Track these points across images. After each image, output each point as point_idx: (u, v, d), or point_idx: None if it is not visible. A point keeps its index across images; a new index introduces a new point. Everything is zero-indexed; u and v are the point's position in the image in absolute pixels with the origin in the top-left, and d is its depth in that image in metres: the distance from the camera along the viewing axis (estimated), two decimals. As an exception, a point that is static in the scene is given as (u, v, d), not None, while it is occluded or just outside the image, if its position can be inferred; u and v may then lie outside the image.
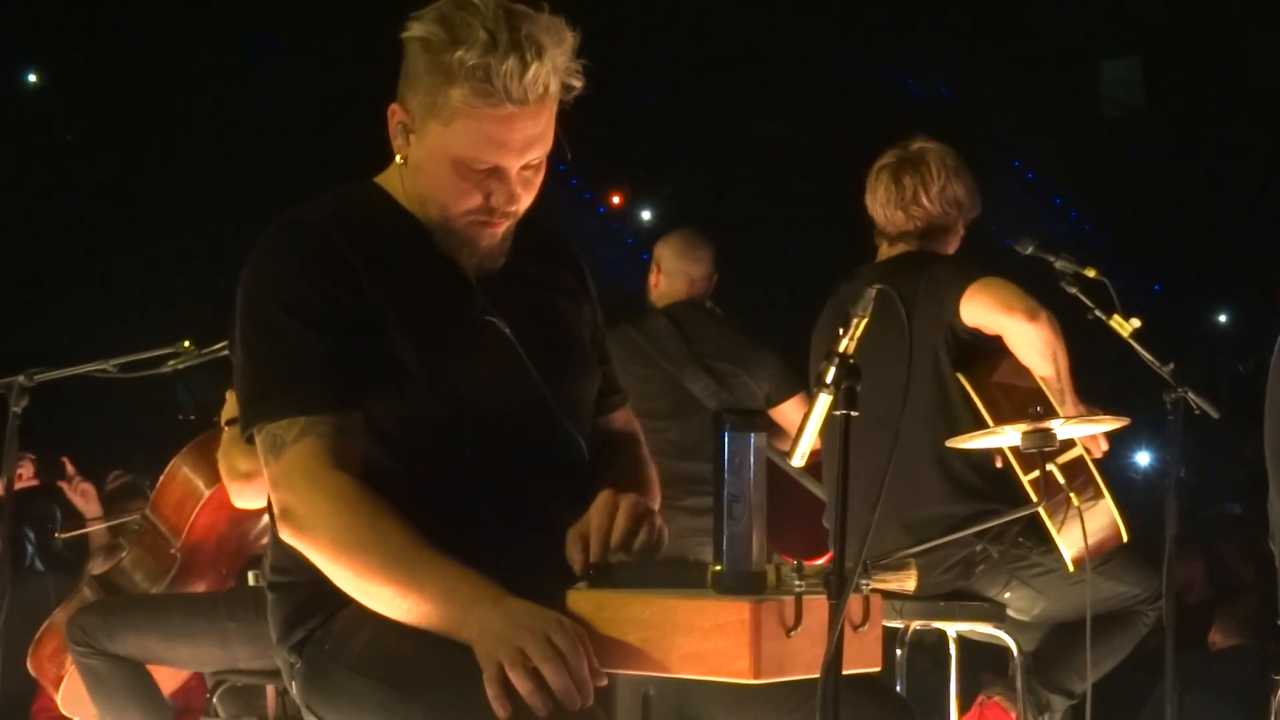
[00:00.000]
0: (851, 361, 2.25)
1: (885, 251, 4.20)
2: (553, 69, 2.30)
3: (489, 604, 2.15)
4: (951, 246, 4.20)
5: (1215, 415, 4.02)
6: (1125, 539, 3.95)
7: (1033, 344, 3.84)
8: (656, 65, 12.81)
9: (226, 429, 4.28)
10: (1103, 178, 13.73)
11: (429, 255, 2.44)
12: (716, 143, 13.48)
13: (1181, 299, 14.54)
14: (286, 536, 2.31)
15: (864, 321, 2.30)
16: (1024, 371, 3.91)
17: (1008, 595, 3.97)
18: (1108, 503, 3.90)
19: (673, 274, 5.19)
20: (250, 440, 2.36)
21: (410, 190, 2.44)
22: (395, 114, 2.40)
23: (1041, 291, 3.93)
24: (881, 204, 4.17)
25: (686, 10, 12.61)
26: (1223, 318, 15.69)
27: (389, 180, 2.49)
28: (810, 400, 2.38)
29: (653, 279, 5.25)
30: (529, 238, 2.54)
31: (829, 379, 2.24)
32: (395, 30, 2.34)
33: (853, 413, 2.21)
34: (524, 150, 2.35)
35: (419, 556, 2.21)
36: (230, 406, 4.25)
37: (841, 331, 2.29)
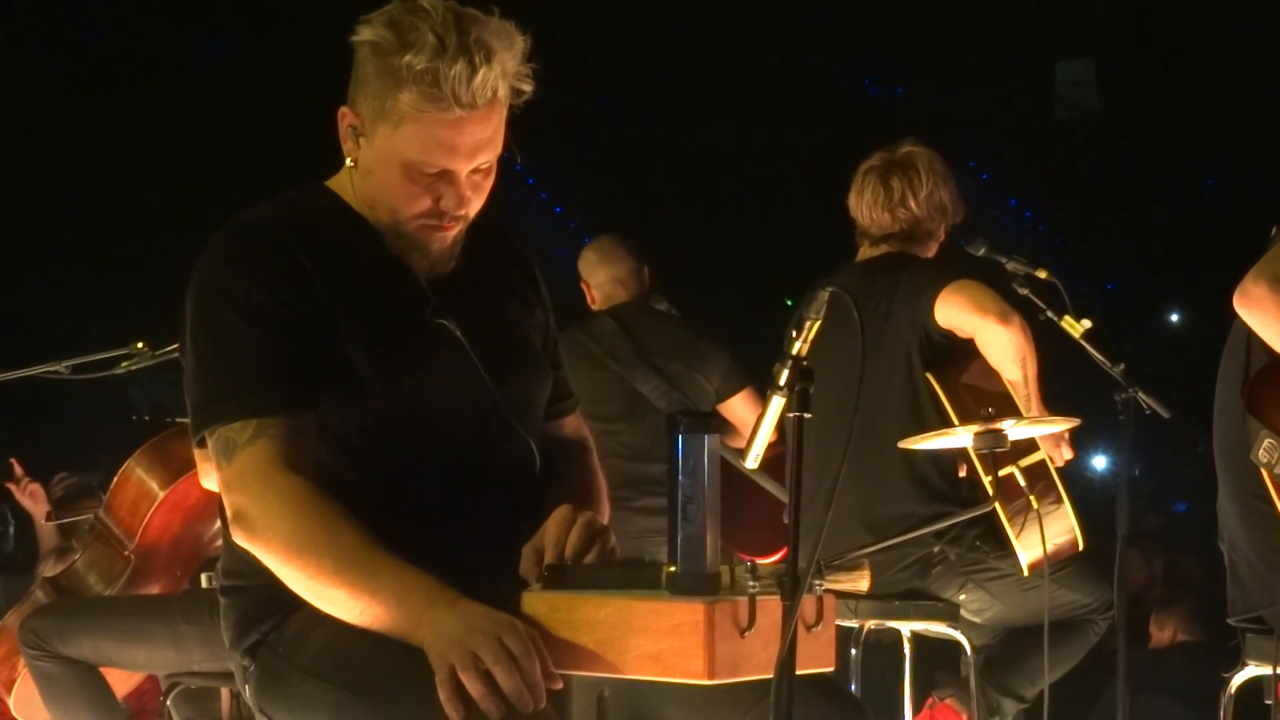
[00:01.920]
0: (805, 364, 2.25)
1: (865, 252, 4.20)
2: (501, 73, 2.29)
3: (442, 607, 2.15)
4: (931, 250, 4.21)
5: (1166, 415, 4.04)
6: (1081, 547, 3.96)
7: (1004, 347, 3.86)
8: (613, 67, 12.82)
9: None
10: (1057, 178, 13.80)
11: (380, 258, 2.43)
12: (672, 144, 13.50)
13: (1135, 299, 14.64)
14: (239, 539, 2.31)
15: (816, 324, 2.30)
16: (993, 375, 3.93)
17: (962, 597, 3.98)
18: (1067, 509, 3.91)
19: (599, 285, 5.18)
20: (202, 444, 2.35)
21: (360, 193, 2.43)
22: (345, 117, 2.39)
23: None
24: (868, 205, 4.16)
25: (644, 13, 12.62)
26: (1175, 317, 15.80)
27: (340, 184, 2.48)
28: (765, 399, 2.38)
29: (588, 297, 5.24)
30: (482, 241, 2.53)
31: (782, 381, 2.24)
32: (348, 33, 2.33)
33: (805, 414, 2.21)
34: (473, 154, 2.34)
35: (372, 559, 2.21)
36: None
37: (794, 334, 2.29)
